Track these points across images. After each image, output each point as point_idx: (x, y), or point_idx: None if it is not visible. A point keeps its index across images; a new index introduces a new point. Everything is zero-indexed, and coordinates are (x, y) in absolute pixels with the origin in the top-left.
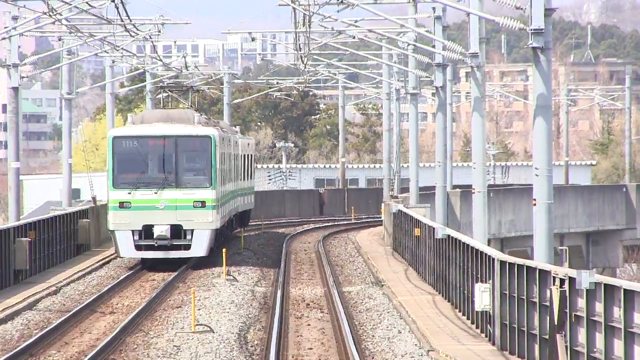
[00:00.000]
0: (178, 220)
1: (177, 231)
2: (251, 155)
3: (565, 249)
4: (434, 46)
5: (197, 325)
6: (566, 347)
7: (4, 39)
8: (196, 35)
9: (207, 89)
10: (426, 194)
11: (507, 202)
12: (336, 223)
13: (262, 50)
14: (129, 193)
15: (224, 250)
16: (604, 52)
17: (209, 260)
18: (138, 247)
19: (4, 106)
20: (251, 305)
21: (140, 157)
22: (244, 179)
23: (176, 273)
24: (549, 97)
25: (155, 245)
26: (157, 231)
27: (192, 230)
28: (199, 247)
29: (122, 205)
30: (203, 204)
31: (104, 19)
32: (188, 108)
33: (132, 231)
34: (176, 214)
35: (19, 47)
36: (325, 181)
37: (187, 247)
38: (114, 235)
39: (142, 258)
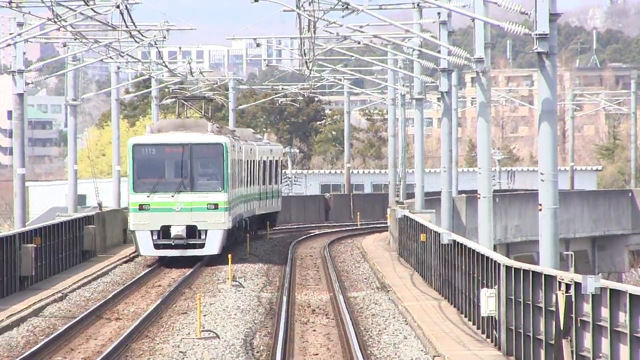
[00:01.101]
0: (193, 221)
1: (192, 231)
2: (277, 160)
3: (571, 254)
4: (439, 51)
5: (202, 331)
6: (572, 352)
7: (9, 45)
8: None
9: (220, 98)
10: (432, 200)
11: (512, 208)
12: (342, 229)
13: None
14: (148, 196)
15: (229, 255)
16: (610, 57)
17: (218, 260)
18: (156, 246)
19: (10, 112)
20: (257, 311)
21: (158, 163)
22: (268, 183)
23: (181, 279)
24: (555, 102)
25: (173, 244)
26: (174, 231)
27: (206, 231)
28: (213, 246)
29: (141, 207)
30: (216, 206)
31: (109, 25)
32: (201, 117)
33: (151, 231)
34: (191, 215)
35: (24, 53)
36: (330, 187)
37: (202, 246)
38: (135, 235)
39: (159, 256)
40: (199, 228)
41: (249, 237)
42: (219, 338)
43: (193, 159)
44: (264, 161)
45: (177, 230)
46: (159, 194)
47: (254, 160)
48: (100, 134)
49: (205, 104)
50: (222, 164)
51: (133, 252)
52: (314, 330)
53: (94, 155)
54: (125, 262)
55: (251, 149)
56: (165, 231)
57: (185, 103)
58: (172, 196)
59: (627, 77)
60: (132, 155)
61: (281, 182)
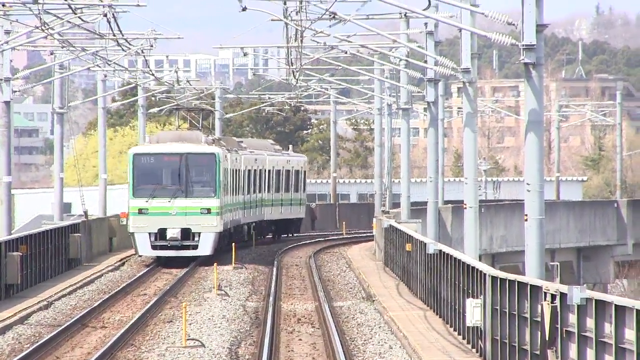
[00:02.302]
0: (187, 224)
1: (186, 233)
2: (297, 170)
3: (557, 265)
4: (425, 61)
5: (188, 339)
6: None
7: None
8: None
9: (221, 110)
10: (417, 209)
11: (498, 218)
12: (327, 238)
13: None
14: (147, 201)
15: (215, 264)
16: (596, 68)
17: (209, 262)
18: (154, 247)
19: None
20: (242, 320)
21: (156, 171)
22: (285, 191)
23: (167, 288)
24: (541, 112)
25: (168, 245)
26: (169, 233)
27: (200, 233)
28: (205, 247)
29: (140, 211)
30: (209, 211)
31: (96, 33)
32: (200, 128)
33: (149, 233)
34: (186, 219)
35: (11, 61)
36: (316, 196)
37: (195, 247)
38: (134, 236)
39: (157, 256)
40: (192, 231)
41: (234, 247)
42: (204, 347)
43: (188, 167)
44: (278, 170)
45: (173, 232)
46: (157, 199)
47: (261, 169)
48: (86, 142)
49: (204, 115)
50: (215, 173)
51: (118, 261)
52: (300, 340)
53: (81, 163)
54: (111, 270)
55: (256, 159)
56: (162, 233)
57: (185, 115)
58: (169, 201)
59: (612, 89)
60: (133, 163)
61: (304, 191)
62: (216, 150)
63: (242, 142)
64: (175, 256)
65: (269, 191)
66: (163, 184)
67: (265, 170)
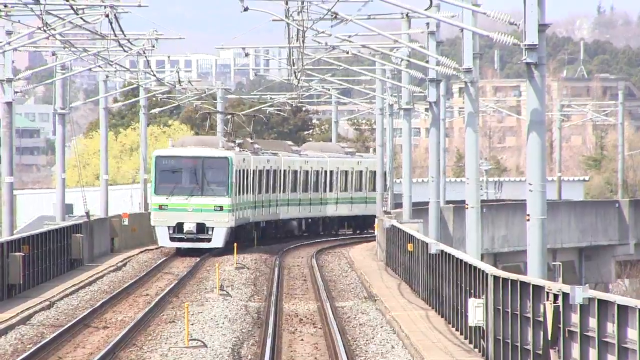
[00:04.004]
0: (202, 219)
1: (201, 228)
2: (360, 171)
3: (559, 265)
4: (427, 61)
5: (190, 340)
6: None
7: None
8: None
9: (249, 114)
10: (419, 210)
11: (500, 218)
12: (329, 238)
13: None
14: (167, 198)
15: (217, 264)
16: (597, 67)
17: (225, 252)
18: (172, 239)
19: None
20: (244, 320)
21: (176, 171)
22: (342, 190)
23: (169, 288)
24: (543, 112)
25: (185, 237)
26: (186, 227)
27: (213, 228)
28: (218, 240)
29: (161, 207)
30: (221, 208)
31: (97, 34)
32: (222, 134)
33: (168, 227)
34: (201, 215)
35: (13, 62)
36: None
37: (209, 240)
38: (155, 229)
39: (176, 248)
40: (207, 225)
41: (236, 247)
42: (206, 347)
43: (204, 169)
44: (331, 171)
45: (189, 226)
46: (176, 197)
47: (296, 170)
48: (87, 144)
49: (232, 119)
50: (228, 174)
51: (120, 261)
52: (302, 340)
53: (82, 164)
54: (113, 270)
55: (283, 160)
56: (179, 227)
57: (221, 119)
58: (186, 199)
59: (614, 88)
60: (155, 164)
61: (370, 190)
62: (230, 154)
63: (292, 145)
64: (191, 247)
65: (297, 191)
66: (182, 183)
67: (313, 171)
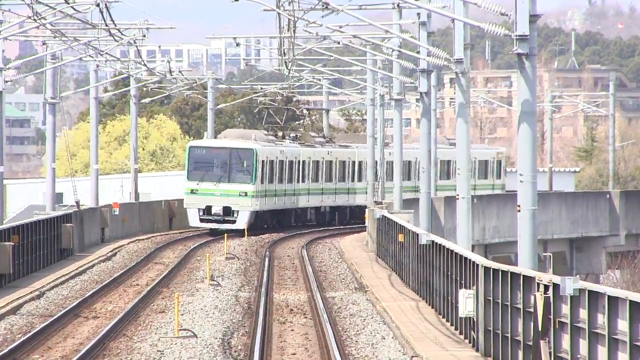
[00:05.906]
0: (229, 203)
1: (227, 211)
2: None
3: (550, 256)
4: (418, 52)
5: (180, 330)
6: (550, 353)
7: None
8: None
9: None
10: (410, 200)
11: (490, 208)
12: (319, 229)
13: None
14: (198, 184)
15: (207, 255)
16: (588, 58)
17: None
18: (201, 220)
19: None
20: (235, 310)
21: (207, 160)
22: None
23: (159, 278)
24: (534, 103)
25: (213, 219)
26: (214, 210)
27: (238, 211)
28: (241, 222)
29: (192, 191)
30: (245, 194)
31: (88, 23)
32: (262, 128)
33: (198, 209)
34: (228, 199)
35: (3, 51)
36: None
37: (234, 222)
38: (187, 211)
39: (210, 228)
40: (232, 209)
41: (226, 237)
42: (196, 337)
43: (231, 158)
44: (360, 162)
45: (217, 209)
46: (206, 182)
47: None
48: (74, 135)
49: (286, 113)
50: (252, 164)
51: (110, 251)
52: (292, 330)
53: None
54: (103, 260)
55: (312, 152)
56: (208, 209)
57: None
58: (215, 185)
59: (605, 79)
60: (189, 153)
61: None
62: (255, 146)
63: (337, 139)
64: (218, 228)
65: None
66: (211, 171)
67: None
